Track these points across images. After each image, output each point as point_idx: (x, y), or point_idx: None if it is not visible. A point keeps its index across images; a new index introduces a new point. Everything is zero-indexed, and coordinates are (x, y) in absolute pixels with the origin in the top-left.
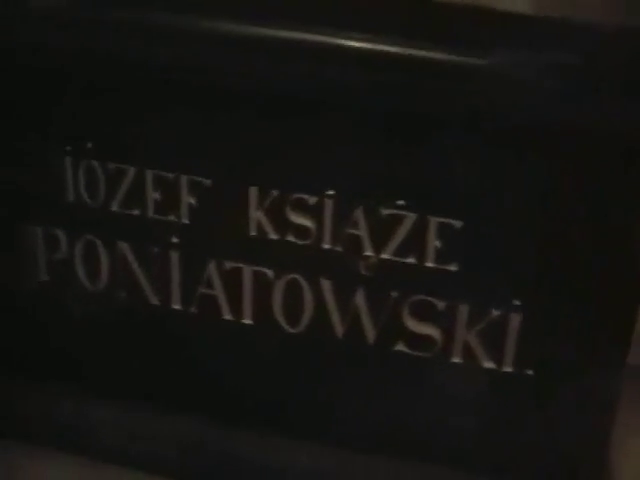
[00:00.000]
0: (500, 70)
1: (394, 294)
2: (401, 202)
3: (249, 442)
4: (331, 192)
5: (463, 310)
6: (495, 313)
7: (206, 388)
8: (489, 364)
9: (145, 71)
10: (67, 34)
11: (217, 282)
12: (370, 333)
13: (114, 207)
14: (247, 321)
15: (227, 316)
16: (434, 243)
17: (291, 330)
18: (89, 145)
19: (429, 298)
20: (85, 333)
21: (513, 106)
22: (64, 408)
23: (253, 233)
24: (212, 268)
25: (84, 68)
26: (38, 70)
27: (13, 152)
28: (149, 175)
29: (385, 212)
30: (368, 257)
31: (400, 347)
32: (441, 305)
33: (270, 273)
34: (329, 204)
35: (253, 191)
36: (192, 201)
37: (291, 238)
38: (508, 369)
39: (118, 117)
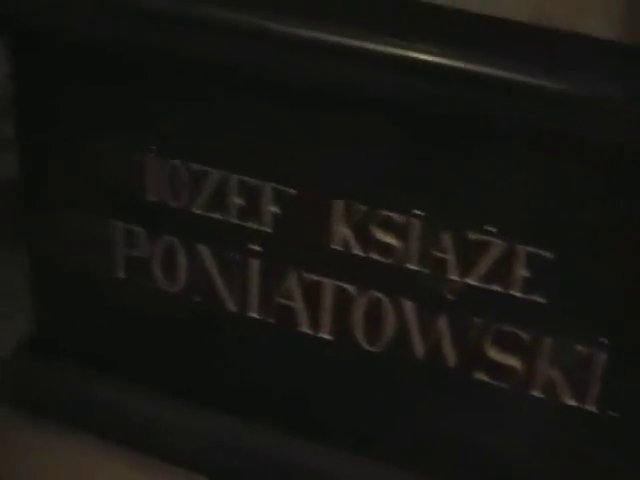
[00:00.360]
0: (586, 95)
1: (477, 321)
2: (490, 228)
3: (314, 455)
4: (419, 212)
5: (547, 343)
6: (580, 349)
7: (276, 398)
8: (571, 401)
9: (239, 78)
10: (158, 34)
11: (297, 294)
12: (450, 358)
13: (196, 209)
14: (325, 335)
15: (305, 329)
16: (521, 272)
17: (370, 348)
18: (174, 145)
19: (513, 328)
20: (156, 332)
21: (600, 133)
22: (117, 400)
23: (336, 247)
24: (292, 279)
25: (176, 69)
26: (127, 69)
27: (98, 148)
28: (234, 180)
29: (473, 237)
30: (453, 281)
31: (480, 375)
32: (525, 336)
33: (352, 289)
34: (416, 224)
35: (338, 204)
36: (276, 210)
37: (375, 255)
38: (591, 408)
39: (206, 120)
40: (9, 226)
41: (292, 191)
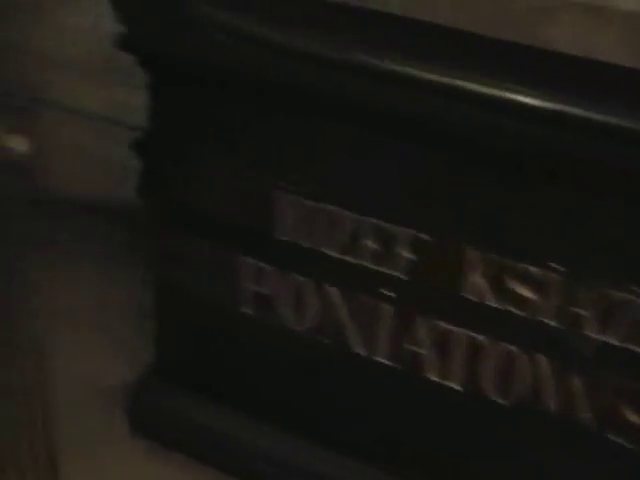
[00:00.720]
0: None
1: (615, 381)
2: (634, 287)
3: None
4: (558, 266)
5: None
6: None
7: (398, 443)
8: None
9: (380, 124)
10: (302, 73)
11: (427, 341)
12: (585, 417)
13: (328, 251)
14: (453, 385)
15: (433, 377)
16: None
17: (500, 401)
18: (309, 186)
19: None
20: (278, 368)
21: None
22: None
23: (470, 297)
24: (423, 326)
25: (316, 112)
26: (266, 109)
27: (231, 182)
28: (369, 224)
29: (615, 295)
30: (591, 339)
31: (615, 437)
32: None
33: (484, 340)
34: (554, 278)
35: (474, 254)
36: (410, 256)
37: (510, 308)
38: None
39: (343, 162)
40: (135, 252)
41: (428, 238)
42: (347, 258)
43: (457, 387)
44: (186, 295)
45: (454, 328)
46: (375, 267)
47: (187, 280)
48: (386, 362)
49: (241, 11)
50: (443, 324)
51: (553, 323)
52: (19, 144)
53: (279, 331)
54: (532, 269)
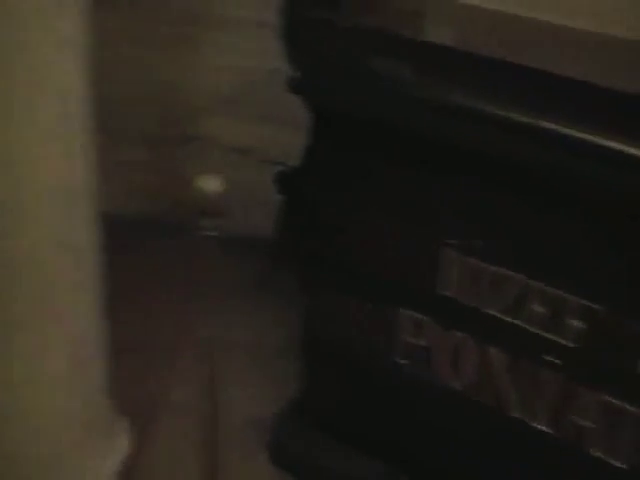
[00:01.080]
0: None
1: None
2: None
3: None
4: None
5: None
6: None
7: None
8: None
9: (551, 187)
10: (467, 134)
11: (592, 414)
12: None
13: (492, 311)
14: (618, 463)
15: (596, 452)
16: None
17: None
18: (476, 245)
19: None
20: (424, 421)
21: None
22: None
23: None
24: (590, 398)
25: (483, 169)
26: (430, 166)
27: (391, 234)
28: (537, 288)
29: None
30: None
31: None
32: None
33: None
34: None
35: None
36: (579, 324)
37: None
38: None
39: (512, 224)
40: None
41: (600, 308)
42: (511, 320)
43: (621, 465)
44: (336, 341)
45: (623, 404)
46: (541, 332)
47: (338, 327)
48: (545, 429)
49: (414, 68)
50: (611, 399)
51: None
52: (208, 184)
53: (432, 385)
54: None
